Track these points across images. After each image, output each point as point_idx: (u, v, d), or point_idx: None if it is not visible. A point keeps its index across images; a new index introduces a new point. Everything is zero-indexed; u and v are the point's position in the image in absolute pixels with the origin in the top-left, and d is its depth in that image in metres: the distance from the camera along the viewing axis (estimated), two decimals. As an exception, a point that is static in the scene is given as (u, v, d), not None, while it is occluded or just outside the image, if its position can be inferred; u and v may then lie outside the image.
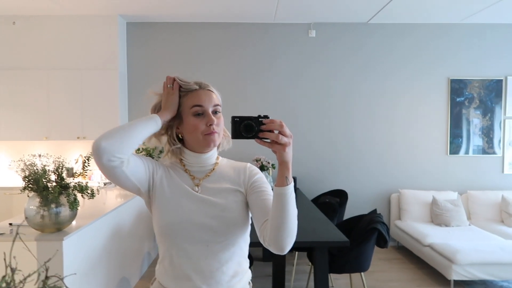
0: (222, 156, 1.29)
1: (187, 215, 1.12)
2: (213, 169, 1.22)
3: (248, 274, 1.24)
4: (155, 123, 1.11)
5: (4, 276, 0.63)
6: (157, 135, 1.18)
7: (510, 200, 4.59)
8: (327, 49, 5.04)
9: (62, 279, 0.67)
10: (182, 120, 1.17)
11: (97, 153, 1.01)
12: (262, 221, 1.11)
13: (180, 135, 1.21)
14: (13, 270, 0.62)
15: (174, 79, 1.18)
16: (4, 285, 0.63)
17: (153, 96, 1.24)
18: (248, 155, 4.35)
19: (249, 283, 1.25)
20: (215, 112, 1.16)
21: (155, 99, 1.23)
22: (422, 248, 4.11)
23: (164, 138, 1.22)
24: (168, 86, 1.17)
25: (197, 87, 1.16)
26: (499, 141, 5.08)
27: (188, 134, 1.16)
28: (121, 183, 1.10)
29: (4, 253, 0.67)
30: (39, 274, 0.74)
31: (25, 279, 0.68)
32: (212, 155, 1.22)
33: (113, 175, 1.06)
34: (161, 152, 4.97)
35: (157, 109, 1.20)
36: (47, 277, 0.66)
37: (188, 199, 1.15)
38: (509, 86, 5.06)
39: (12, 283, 0.66)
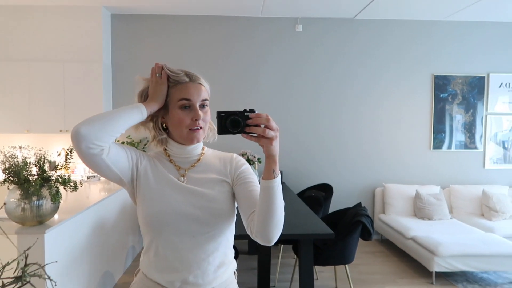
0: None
1: (173, 205, 1.11)
2: (199, 160, 1.20)
3: (233, 264, 1.24)
4: (140, 114, 1.09)
5: (-19, 264, 0.61)
6: (142, 122, 1.16)
7: (491, 194, 4.69)
8: (314, 44, 5.05)
9: (42, 267, 0.66)
10: (168, 111, 1.14)
11: (76, 139, 0.99)
12: (249, 213, 1.11)
13: (164, 125, 1.19)
14: (-10, 258, 0.60)
15: (162, 68, 1.14)
16: (-19, 272, 0.61)
17: (141, 81, 1.20)
18: (234, 149, 4.31)
19: (235, 273, 1.26)
20: (202, 106, 1.14)
21: (142, 85, 1.19)
22: (405, 241, 4.17)
23: (150, 125, 1.19)
24: (157, 74, 1.13)
25: (187, 79, 1.13)
26: (481, 136, 5.19)
27: (173, 127, 1.15)
28: (101, 172, 1.07)
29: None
30: (18, 263, 0.72)
31: (3, 267, 0.66)
32: (197, 146, 1.20)
33: (93, 163, 1.03)
34: (145, 145, 4.92)
35: (143, 96, 1.17)
36: (26, 265, 0.64)
37: (174, 189, 1.13)
38: (491, 82, 5.16)
39: (-11, 271, 0.64)
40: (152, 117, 1.17)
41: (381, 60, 5.10)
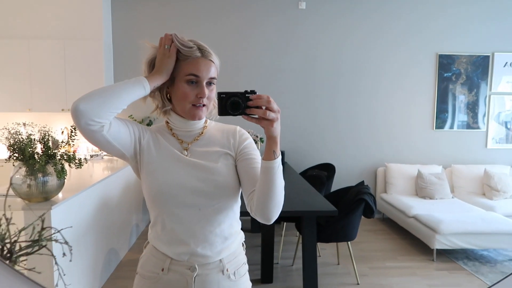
0: None
1: (178, 179, 1.11)
2: (202, 133, 1.19)
3: (241, 236, 1.25)
4: (143, 89, 1.05)
5: (-2, 226, 0.62)
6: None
7: (492, 173, 4.71)
8: (317, 22, 4.98)
9: (59, 231, 0.66)
10: (173, 83, 1.12)
11: (75, 115, 0.97)
12: (250, 191, 1.11)
13: (168, 95, 1.16)
14: (8, 220, 0.60)
15: (172, 40, 1.09)
16: (-2, 235, 0.61)
17: (147, 46, 1.17)
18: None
19: (243, 244, 1.26)
20: (209, 83, 1.12)
21: (148, 51, 1.16)
22: (406, 219, 4.21)
23: (155, 93, 1.16)
24: (166, 46, 1.09)
25: (199, 54, 1.09)
26: (484, 116, 5.17)
27: (177, 100, 1.12)
28: (102, 147, 1.05)
29: (-3, 205, 0.66)
30: (34, 228, 0.72)
31: (20, 231, 0.67)
32: (200, 120, 1.19)
33: (93, 139, 1.02)
34: (148, 125, 4.91)
35: (151, 65, 1.13)
36: (43, 229, 0.64)
37: (177, 163, 1.13)
38: (495, 62, 5.11)
39: (7, 235, 0.65)
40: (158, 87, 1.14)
41: (384, 38, 5.03)
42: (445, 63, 5.09)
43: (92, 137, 1.01)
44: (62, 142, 2.32)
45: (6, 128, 2.19)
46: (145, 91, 1.06)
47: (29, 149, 2.19)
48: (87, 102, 0.97)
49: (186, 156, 1.15)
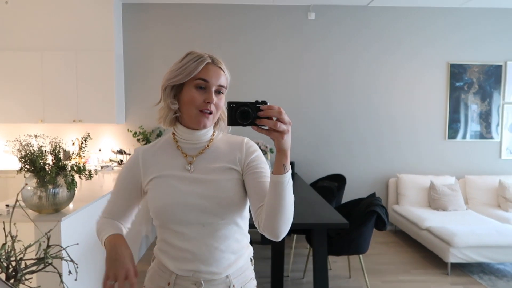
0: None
1: (180, 197, 1.09)
2: (207, 146, 1.17)
3: (249, 250, 1.21)
4: (102, 239, 1.15)
5: (4, 244, 0.60)
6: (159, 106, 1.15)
7: (507, 185, 4.61)
8: (327, 32, 4.98)
9: (64, 249, 0.65)
10: (182, 88, 1.11)
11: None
12: (258, 206, 1.08)
13: (177, 101, 1.13)
14: (13, 238, 0.59)
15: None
16: (3, 253, 0.60)
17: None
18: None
19: (251, 259, 1.23)
20: (218, 92, 1.10)
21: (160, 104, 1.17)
22: (419, 231, 4.13)
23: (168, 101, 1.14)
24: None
25: (209, 60, 1.10)
26: (497, 126, 5.08)
27: (184, 105, 1.11)
28: None
29: (4, 222, 0.64)
30: (40, 245, 0.71)
31: (26, 248, 0.65)
32: (207, 132, 1.17)
33: None
34: (158, 136, 4.93)
35: (162, 120, 1.16)
36: (48, 246, 0.63)
37: (179, 180, 1.11)
38: (508, 71, 5.03)
39: (12, 252, 0.63)
40: (165, 89, 1.13)
41: (395, 48, 5.00)
42: (457, 72, 5.03)
43: None
44: (73, 153, 2.33)
45: (17, 140, 2.21)
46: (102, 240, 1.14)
47: (40, 161, 2.21)
48: (96, 227, 1.21)
49: (189, 170, 1.13)
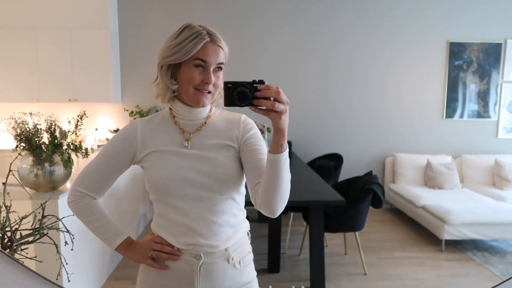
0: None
1: (177, 172, 1.09)
2: (205, 123, 1.16)
3: (246, 225, 1.23)
4: (110, 245, 1.16)
5: (-3, 214, 0.60)
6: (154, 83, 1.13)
7: (503, 163, 4.64)
8: (324, 9, 4.89)
9: (60, 219, 0.64)
10: (180, 66, 1.09)
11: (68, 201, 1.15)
12: (255, 183, 1.08)
13: (174, 79, 1.12)
14: (7, 208, 0.59)
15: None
16: (-2, 223, 0.60)
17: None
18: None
19: (248, 233, 1.24)
20: (217, 69, 1.09)
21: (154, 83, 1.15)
22: (415, 209, 4.17)
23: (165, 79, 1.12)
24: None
25: (207, 39, 1.07)
26: (495, 105, 5.07)
27: (181, 83, 1.09)
28: None
29: (-3, 193, 0.64)
30: (35, 216, 0.71)
31: (21, 219, 0.65)
32: (205, 108, 1.16)
33: None
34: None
35: (160, 98, 1.14)
36: (43, 216, 0.63)
37: (177, 156, 1.11)
38: (508, 49, 4.99)
39: (7, 223, 0.63)
40: (161, 67, 1.11)
41: (393, 26, 4.94)
42: (456, 51, 4.99)
43: None
44: (69, 132, 2.32)
45: (12, 118, 2.20)
46: (110, 247, 1.17)
47: (36, 139, 2.20)
48: (72, 212, 1.12)
49: (187, 147, 1.13)
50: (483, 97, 5.07)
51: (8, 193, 0.62)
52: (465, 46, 4.98)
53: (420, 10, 4.91)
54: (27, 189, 2.29)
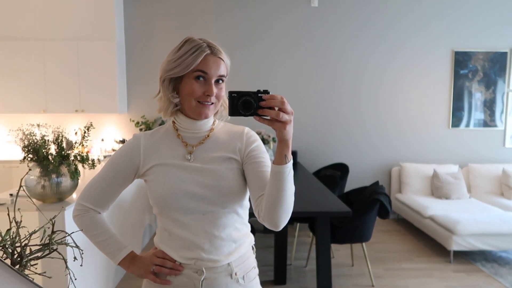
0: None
1: (180, 186, 1.09)
2: (208, 136, 1.16)
3: (250, 239, 1.22)
4: (113, 260, 1.17)
5: (8, 229, 0.60)
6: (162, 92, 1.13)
7: (511, 173, 4.59)
8: (330, 19, 4.92)
9: (69, 235, 0.64)
10: (182, 80, 1.09)
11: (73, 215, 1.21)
12: (258, 195, 1.08)
13: (176, 92, 1.12)
14: (17, 224, 0.59)
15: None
16: (8, 239, 0.60)
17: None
18: (248, 127, 4.30)
19: (252, 247, 1.23)
20: (218, 81, 1.09)
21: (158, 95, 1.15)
22: (422, 220, 4.13)
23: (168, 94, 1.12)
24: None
25: (208, 51, 1.06)
26: (501, 114, 5.05)
27: (183, 96, 1.09)
28: None
29: (8, 208, 0.64)
30: (44, 231, 0.71)
31: (30, 234, 0.65)
32: (207, 121, 1.15)
33: None
34: (160, 125, 4.93)
35: (163, 112, 1.14)
36: (53, 232, 0.63)
37: (179, 169, 1.11)
38: (513, 58, 4.98)
39: (17, 238, 0.63)
40: (163, 81, 1.11)
41: (399, 36, 4.95)
42: (461, 60, 4.99)
43: None
44: (76, 143, 2.33)
45: (20, 129, 2.21)
46: (113, 261, 1.18)
47: (43, 150, 2.21)
48: (76, 226, 1.18)
49: (189, 160, 1.12)
50: (489, 106, 5.05)
51: (19, 209, 0.62)
52: (470, 55, 4.98)
53: (426, 21, 4.93)
54: (34, 200, 2.30)
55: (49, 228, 0.70)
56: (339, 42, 4.95)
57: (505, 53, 4.98)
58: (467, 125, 5.08)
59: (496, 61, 4.99)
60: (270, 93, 0.93)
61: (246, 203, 1.18)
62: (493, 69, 5.01)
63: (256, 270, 1.22)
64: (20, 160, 2.21)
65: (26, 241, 0.67)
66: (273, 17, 4.90)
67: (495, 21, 4.94)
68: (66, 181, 2.30)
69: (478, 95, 5.05)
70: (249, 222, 1.24)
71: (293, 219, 3.20)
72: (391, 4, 4.91)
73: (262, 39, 4.93)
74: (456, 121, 5.07)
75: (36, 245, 0.65)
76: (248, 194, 1.16)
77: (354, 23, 4.93)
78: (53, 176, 2.25)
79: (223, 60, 1.09)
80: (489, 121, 5.07)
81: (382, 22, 4.93)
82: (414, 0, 4.91)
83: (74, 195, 2.48)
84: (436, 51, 4.98)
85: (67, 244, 0.67)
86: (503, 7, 4.91)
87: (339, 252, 3.87)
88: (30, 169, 2.08)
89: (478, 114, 5.07)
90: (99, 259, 2.78)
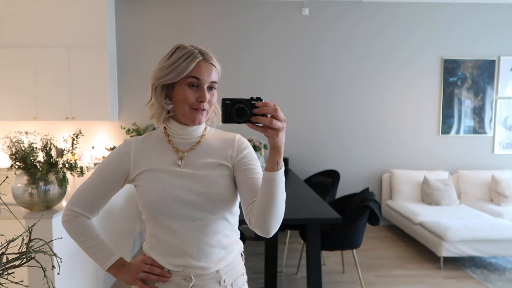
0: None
1: (170, 192, 1.08)
2: (199, 142, 1.16)
3: (239, 246, 1.22)
4: (102, 266, 1.17)
5: (-16, 238, 0.60)
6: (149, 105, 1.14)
7: (500, 179, 4.64)
8: (321, 28, 4.97)
9: (48, 243, 0.64)
10: (174, 86, 1.10)
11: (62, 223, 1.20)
12: (249, 202, 1.08)
13: (169, 99, 1.13)
14: (-7, 232, 0.58)
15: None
16: (-16, 248, 0.59)
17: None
18: (239, 134, 4.31)
19: (241, 254, 1.23)
20: (210, 88, 1.10)
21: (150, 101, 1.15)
22: (413, 226, 4.15)
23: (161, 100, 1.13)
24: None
25: (200, 57, 1.08)
26: (490, 121, 5.11)
27: (176, 103, 1.10)
28: None
29: (-15, 217, 0.64)
30: (23, 239, 0.70)
31: (8, 242, 0.65)
32: (199, 127, 1.16)
33: None
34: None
35: (155, 118, 1.14)
36: (30, 240, 0.62)
37: (170, 175, 1.11)
38: (501, 66, 5.06)
39: (-7, 247, 0.63)
40: (155, 88, 1.11)
41: (389, 44, 5.01)
42: (450, 67, 5.05)
43: None
44: (64, 150, 2.32)
45: (8, 137, 2.19)
46: (102, 267, 1.19)
47: (31, 158, 2.19)
48: (66, 231, 1.21)
49: (180, 166, 1.12)
50: (478, 113, 5.11)
51: (-6, 217, 0.62)
52: (459, 63, 5.05)
53: (415, 29, 5.00)
54: (23, 211, 2.27)
55: (27, 236, 0.70)
56: (330, 51, 5.00)
57: (494, 61, 5.05)
58: (457, 132, 5.13)
59: (485, 68, 5.06)
60: (263, 101, 0.94)
61: (236, 210, 1.18)
62: (482, 77, 5.08)
63: (245, 277, 1.22)
64: (7, 168, 2.19)
65: (3, 249, 0.66)
66: (264, 25, 4.94)
67: (484, 29, 5.02)
68: (54, 188, 2.27)
69: (467, 102, 5.11)
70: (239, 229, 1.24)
71: (284, 226, 3.20)
72: (381, 13, 4.97)
73: (253, 48, 4.96)
74: (446, 128, 5.12)
75: (13, 253, 0.65)
76: (238, 201, 1.16)
77: (345, 32, 4.99)
78: (41, 184, 2.23)
79: (215, 66, 1.10)
80: (478, 128, 5.13)
81: (372, 31, 4.99)
82: (403, 9, 4.98)
83: (63, 203, 2.46)
84: (425, 59, 5.04)
85: (45, 253, 0.67)
86: (491, 16, 5.00)
87: (330, 259, 3.87)
88: (7, 177, 2.06)
89: (467, 121, 5.13)
90: (88, 266, 2.75)
